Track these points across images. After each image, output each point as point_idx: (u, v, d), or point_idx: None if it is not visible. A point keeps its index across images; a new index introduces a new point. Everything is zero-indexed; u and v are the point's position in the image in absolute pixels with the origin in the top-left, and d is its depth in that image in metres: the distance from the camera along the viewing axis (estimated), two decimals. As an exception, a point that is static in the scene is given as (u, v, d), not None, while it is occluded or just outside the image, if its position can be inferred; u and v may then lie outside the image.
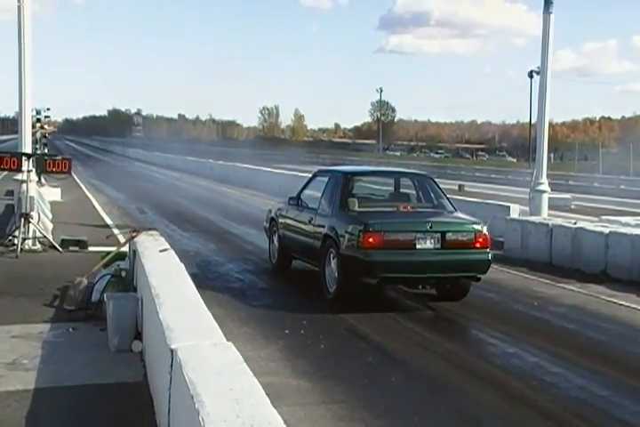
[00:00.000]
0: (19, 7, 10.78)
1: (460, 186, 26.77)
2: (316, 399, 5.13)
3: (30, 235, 10.65)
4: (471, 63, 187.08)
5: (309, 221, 8.92)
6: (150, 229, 8.46)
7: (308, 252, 9.03)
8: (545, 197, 13.59)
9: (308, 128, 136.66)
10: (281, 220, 9.98)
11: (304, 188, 9.79)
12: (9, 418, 4.40)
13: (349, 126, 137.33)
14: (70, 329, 6.35)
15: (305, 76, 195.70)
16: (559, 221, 11.83)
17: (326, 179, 9.22)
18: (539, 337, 7.03)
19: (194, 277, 6.01)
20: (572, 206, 21.01)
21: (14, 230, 10.64)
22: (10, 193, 16.88)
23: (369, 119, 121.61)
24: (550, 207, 14.21)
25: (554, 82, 14.74)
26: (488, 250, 8.11)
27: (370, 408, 4.98)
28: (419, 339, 6.96)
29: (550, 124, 16.82)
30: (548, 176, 13.92)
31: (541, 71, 14.18)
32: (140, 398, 4.73)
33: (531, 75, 56.10)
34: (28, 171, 10.81)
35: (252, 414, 2.62)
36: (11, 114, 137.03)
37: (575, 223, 11.40)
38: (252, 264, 10.57)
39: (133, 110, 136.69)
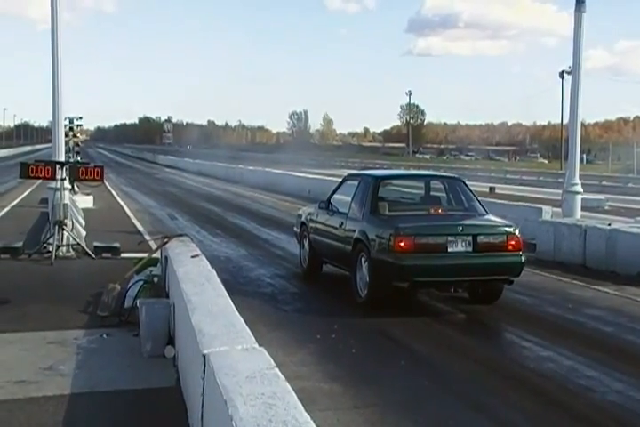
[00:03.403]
0: (52, 18, 10.94)
1: (490, 188, 26.52)
2: (348, 404, 5.12)
3: (64, 242, 10.79)
4: (501, 64, 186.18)
5: (340, 226, 8.91)
6: (181, 235, 8.52)
7: (338, 256, 9.02)
8: (578, 198, 13.40)
9: (338, 132, 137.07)
10: (311, 224, 9.99)
11: (334, 192, 9.78)
12: (47, 422, 4.46)
13: (379, 130, 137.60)
14: (104, 335, 6.41)
15: (333, 80, 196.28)
16: (593, 223, 11.66)
17: (356, 183, 9.20)
18: (573, 340, 6.93)
19: (225, 282, 6.05)
20: (606, 207, 20.70)
21: (49, 238, 10.78)
22: (44, 201, 17.14)
23: (398, 123, 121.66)
24: (583, 208, 14.02)
25: (586, 81, 14.56)
26: (520, 252, 8.02)
27: (402, 413, 4.95)
28: (451, 342, 6.90)
29: (583, 125, 16.63)
30: (580, 177, 13.74)
31: (573, 71, 13.99)
32: (173, 403, 4.76)
33: (562, 75, 55.61)
34: (62, 179, 10.98)
35: (284, 420, 2.62)
36: (44, 123, 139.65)
37: (609, 224, 11.23)
38: (282, 269, 10.59)
39: (164, 117, 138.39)
